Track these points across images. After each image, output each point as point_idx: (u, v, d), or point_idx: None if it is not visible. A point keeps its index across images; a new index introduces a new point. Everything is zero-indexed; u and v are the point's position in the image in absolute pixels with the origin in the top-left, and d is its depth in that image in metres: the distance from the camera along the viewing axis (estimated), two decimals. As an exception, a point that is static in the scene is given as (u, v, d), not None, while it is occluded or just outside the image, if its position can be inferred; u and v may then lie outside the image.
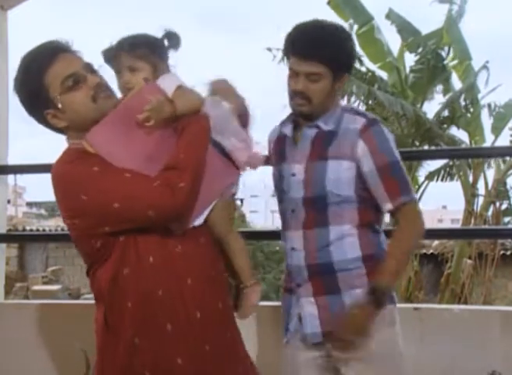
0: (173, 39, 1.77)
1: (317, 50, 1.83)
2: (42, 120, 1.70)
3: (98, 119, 1.64)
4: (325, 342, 1.89)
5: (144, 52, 1.72)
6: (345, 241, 1.86)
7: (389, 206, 1.86)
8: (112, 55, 1.74)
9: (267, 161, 2.01)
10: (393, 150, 1.88)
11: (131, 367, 1.63)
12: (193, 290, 1.66)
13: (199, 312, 1.66)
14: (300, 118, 1.94)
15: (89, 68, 1.68)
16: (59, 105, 1.64)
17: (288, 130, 1.97)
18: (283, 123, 2.01)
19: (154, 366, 1.62)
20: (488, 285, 9.19)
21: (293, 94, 1.88)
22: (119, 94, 1.76)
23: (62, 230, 9.91)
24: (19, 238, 7.27)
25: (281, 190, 1.96)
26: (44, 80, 1.63)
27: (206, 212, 1.72)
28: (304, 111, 1.89)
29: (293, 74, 1.87)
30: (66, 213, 1.66)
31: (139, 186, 1.57)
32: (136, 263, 1.62)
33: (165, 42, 1.77)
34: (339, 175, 1.85)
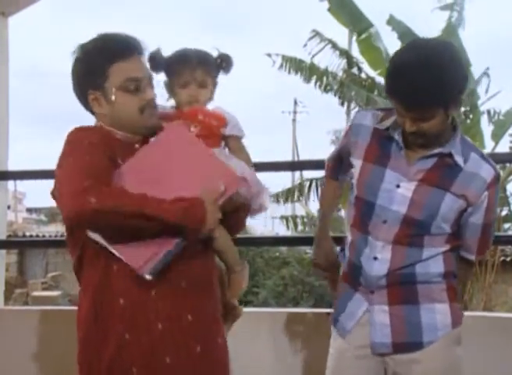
0: (228, 62, 1.85)
1: (423, 102, 1.67)
2: (81, 94, 1.72)
3: (135, 129, 1.70)
4: (394, 353, 1.84)
5: (212, 70, 1.82)
6: (431, 259, 1.84)
7: (471, 258, 1.94)
8: (178, 66, 1.79)
9: (348, 143, 1.93)
10: (496, 209, 1.94)
11: (119, 361, 1.63)
12: (186, 292, 1.68)
13: (190, 314, 1.68)
14: None
15: (150, 81, 1.74)
16: (113, 97, 1.67)
17: (396, 134, 1.82)
18: (391, 127, 1.83)
19: (143, 362, 1.63)
20: (489, 291, 9.18)
21: (408, 133, 1.76)
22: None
23: (62, 235, 9.91)
24: (18, 244, 7.29)
25: (372, 193, 1.84)
26: (109, 67, 1.66)
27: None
28: (422, 143, 1.79)
29: (402, 117, 1.74)
30: None
31: (79, 172, 1.56)
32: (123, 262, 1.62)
33: (219, 63, 1.84)
34: (450, 210, 1.81)
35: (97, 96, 1.68)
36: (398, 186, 1.81)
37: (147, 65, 1.78)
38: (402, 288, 1.82)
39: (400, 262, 1.82)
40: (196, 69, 1.79)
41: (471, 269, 2.00)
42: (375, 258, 1.83)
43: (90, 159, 1.58)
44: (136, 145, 1.72)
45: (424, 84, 1.64)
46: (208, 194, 1.63)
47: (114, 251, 1.60)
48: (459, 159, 1.80)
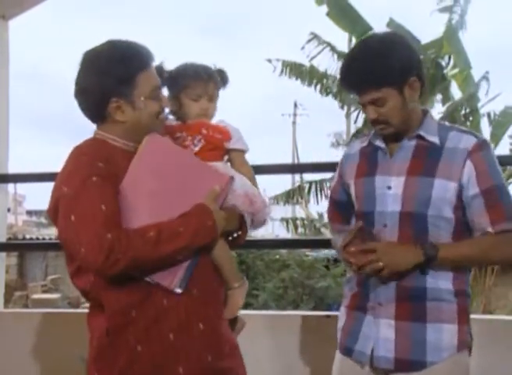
0: (226, 78, 1.91)
1: (365, 79, 1.75)
2: (97, 102, 1.69)
3: (148, 133, 1.70)
4: (393, 371, 1.78)
5: (219, 85, 1.88)
6: (440, 271, 1.77)
7: (489, 230, 1.76)
8: (190, 80, 1.84)
9: (340, 176, 1.98)
10: (501, 173, 1.80)
11: (130, 373, 1.63)
12: (197, 301, 1.68)
13: (202, 323, 1.68)
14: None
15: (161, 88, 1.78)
16: (141, 105, 1.68)
17: (380, 142, 1.87)
18: (373, 136, 1.90)
19: (155, 373, 1.63)
20: (489, 294, 9.18)
21: (372, 123, 1.82)
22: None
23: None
24: (18, 247, 7.27)
25: (369, 202, 1.84)
26: (138, 76, 1.68)
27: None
28: (389, 132, 1.82)
29: (362, 106, 1.82)
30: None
31: (99, 222, 1.55)
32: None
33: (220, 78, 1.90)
34: (445, 195, 1.76)
35: (120, 104, 1.68)
36: (389, 187, 1.81)
37: None
38: (412, 303, 1.77)
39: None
40: (208, 83, 1.85)
41: (500, 240, 1.76)
42: None
43: (106, 208, 1.57)
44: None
45: (363, 64, 1.75)
46: (208, 198, 1.67)
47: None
48: (432, 138, 1.80)
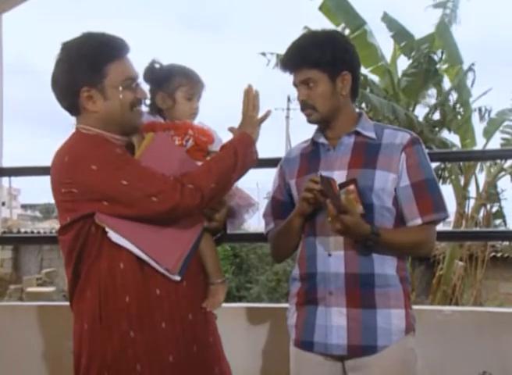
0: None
1: (299, 56, 1.87)
2: (70, 92, 1.71)
3: (122, 127, 1.74)
4: (348, 357, 1.85)
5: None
6: (386, 257, 1.84)
7: (418, 222, 1.84)
8: (185, 79, 1.89)
9: (281, 178, 2.04)
10: (431, 169, 1.90)
11: (124, 357, 1.66)
12: (187, 292, 1.73)
13: (191, 314, 1.73)
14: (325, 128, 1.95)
15: (137, 80, 1.79)
16: (110, 94, 1.70)
17: (322, 139, 1.95)
18: (315, 135, 1.98)
19: (147, 359, 1.67)
20: (479, 286, 9.24)
21: (301, 106, 1.91)
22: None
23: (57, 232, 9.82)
24: (13, 240, 7.23)
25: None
26: (108, 65, 1.70)
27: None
28: (314, 119, 1.91)
29: (296, 87, 1.91)
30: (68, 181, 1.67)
31: (154, 173, 1.65)
32: (130, 260, 1.67)
33: None
34: (385, 186, 1.84)
35: (91, 93, 1.70)
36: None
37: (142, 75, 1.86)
38: (361, 290, 1.83)
39: (355, 253, 1.83)
40: (201, 83, 1.92)
41: (426, 232, 1.86)
42: (330, 255, 1.85)
43: (146, 165, 1.68)
44: (123, 148, 1.76)
45: (299, 43, 1.90)
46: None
47: (142, 255, 1.65)
48: (369, 133, 1.90)
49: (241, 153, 1.76)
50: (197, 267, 1.78)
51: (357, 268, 1.83)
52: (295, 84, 1.91)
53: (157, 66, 1.91)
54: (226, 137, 1.90)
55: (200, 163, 1.82)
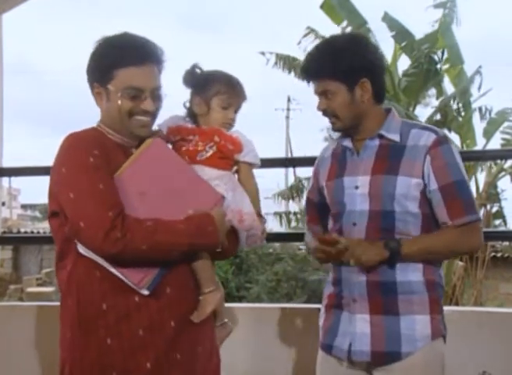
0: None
1: (316, 67, 1.85)
2: (89, 83, 1.76)
3: (121, 130, 1.72)
4: (371, 364, 1.85)
5: (246, 98, 1.90)
6: (409, 263, 1.83)
7: (448, 223, 1.82)
8: (225, 87, 1.83)
9: (315, 178, 2.05)
10: (461, 169, 1.86)
11: (100, 366, 1.64)
12: (170, 299, 1.68)
13: (173, 321, 1.68)
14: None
15: (155, 93, 1.73)
16: (114, 99, 1.69)
17: (347, 142, 1.94)
18: (341, 138, 1.98)
19: (123, 367, 1.64)
20: (479, 287, 9.25)
21: (323, 114, 1.92)
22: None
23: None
24: (13, 240, 7.24)
25: (340, 203, 1.91)
26: (116, 70, 1.69)
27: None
28: (338, 127, 1.91)
29: (317, 95, 1.91)
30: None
31: (98, 199, 1.58)
32: (106, 269, 1.64)
33: None
34: (408, 191, 1.82)
35: (100, 91, 1.73)
36: (356, 187, 1.87)
37: (160, 77, 1.78)
38: (383, 297, 1.83)
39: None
40: (240, 94, 1.86)
41: (460, 234, 1.83)
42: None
43: (105, 187, 1.60)
44: (133, 150, 1.74)
45: (315, 54, 1.89)
46: (216, 211, 1.70)
47: (109, 267, 1.62)
48: (392, 136, 1.87)
49: (196, 236, 1.64)
50: (186, 274, 1.72)
51: (378, 276, 1.83)
52: (316, 94, 1.91)
53: (198, 70, 1.86)
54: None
55: (223, 172, 1.78)
